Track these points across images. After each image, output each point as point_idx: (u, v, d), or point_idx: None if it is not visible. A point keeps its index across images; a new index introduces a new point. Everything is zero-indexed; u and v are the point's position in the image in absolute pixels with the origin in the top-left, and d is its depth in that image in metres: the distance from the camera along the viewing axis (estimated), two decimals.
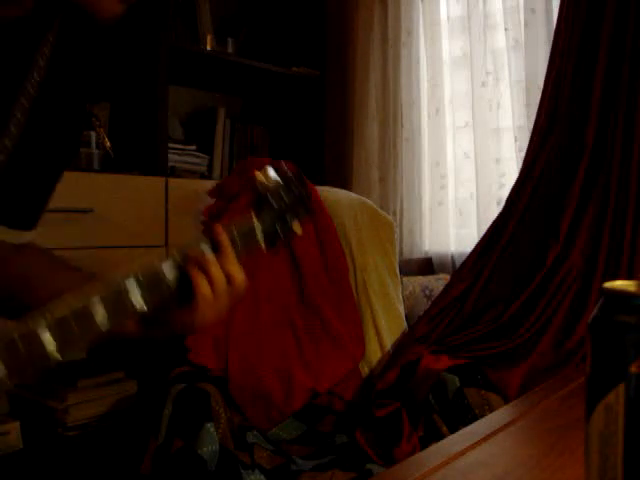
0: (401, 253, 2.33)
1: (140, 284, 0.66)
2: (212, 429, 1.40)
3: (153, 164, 2.03)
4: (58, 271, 0.81)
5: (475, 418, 1.41)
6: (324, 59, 2.63)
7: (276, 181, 0.81)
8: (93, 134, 1.94)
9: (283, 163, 0.84)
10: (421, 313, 1.95)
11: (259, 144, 2.63)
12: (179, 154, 2.25)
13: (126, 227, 1.85)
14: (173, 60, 2.09)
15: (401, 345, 1.83)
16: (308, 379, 1.71)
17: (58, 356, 0.64)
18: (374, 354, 1.86)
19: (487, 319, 1.72)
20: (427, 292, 2.11)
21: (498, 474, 0.64)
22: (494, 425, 0.79)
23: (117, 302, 0.65)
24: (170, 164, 2.15)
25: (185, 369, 1.60)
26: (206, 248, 0.72)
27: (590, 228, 1.71)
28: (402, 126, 2.50)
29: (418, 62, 2.50)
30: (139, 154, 2.05)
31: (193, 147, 2.32)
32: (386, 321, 1.91)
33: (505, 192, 2.04)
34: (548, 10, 2.17)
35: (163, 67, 2.05)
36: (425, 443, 1.45)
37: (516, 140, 2.21)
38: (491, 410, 1.42)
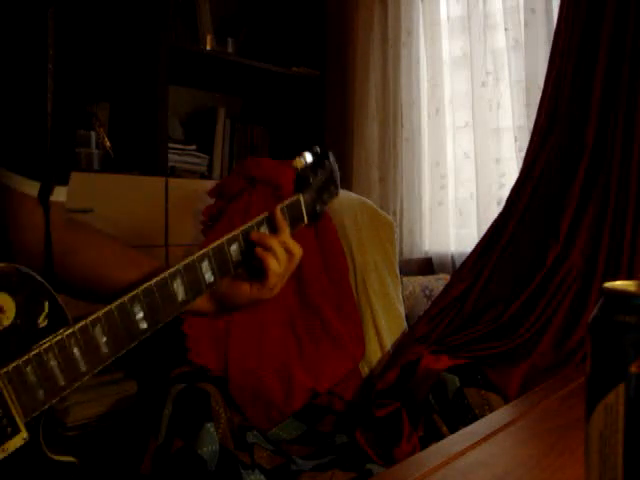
0: (401, 253, 2.33)
1: (210, 260, 0.78)
2: (212, 429, 1.40)
3: (153, 164, 2.03)
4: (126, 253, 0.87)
5: (475, 418, 1.41)
6: (324, 59, 2.63)
7: (313, 163, 0.94)
8: (93, 134, 1.94)
9: (317, 147, 0.98)
10: (421, 313, 1.95)
11: (259, 144, 2.63)
12: (179, 154, 2.25)
13: (126, 227, 1.85)
14: (173, 60, 2.09)
15: (401, 345, 1.83)
16: (308, 379, 1.71)
17: (145, 325, 0.71)
18: (374, 354, 1.86)
19: (487, 319, 1.72)
20: (427, 292, 2.11)
21: (498, 474, 0.64)
22: (494, 425, 0.78)
23: (192, 276, 0.75)
24: (170, 164, 2.15)
25: (185, 369, 1.60)
26: (265, 229, 0.86)
27: (590, 228, 1.71)
28: (402, 126, 2.50)
29: (418, 62, 2.50)
30: (139, 154, 2.06)
31: (193, 147, 2.32)
32: (386, 321, 1.91)
33: (505, 192, 2.04)
34: (548, 10, 2.17)
35: (163, 67, 2.05)
36: (425, 443, 1.45)
37: (516, 140, 2.21)
38: (491, 410, 1.42)
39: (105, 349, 0.66)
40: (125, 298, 0.68)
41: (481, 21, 2.31)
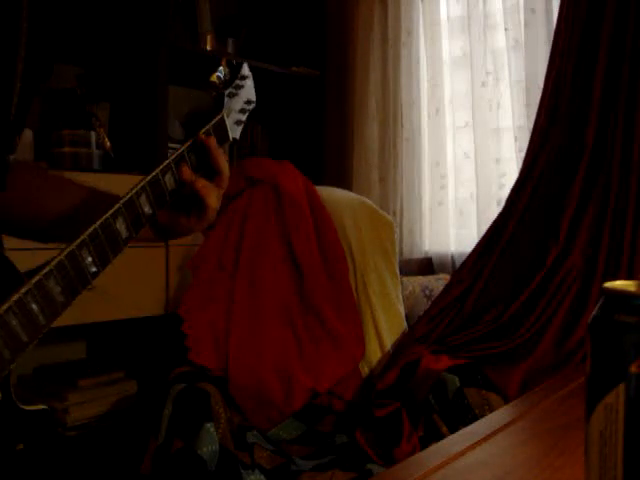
0: (401, 253, 2.33)
1: (147, 193, 0.80)
2: (212, 429, 1.40)
3: (153, 164, 2.02)
4: (63, 187, 0.89)
5: (475, 418, 1.41)
6: (324, 59, 2.63)
7: (230, 76, 0.98)
8: (93, 134, 1.94)
9: (233, 61, 1.00)
10: (421, 313, 1.95)
11: (259, 144, 2.63)
12: None
13: None
14: (173, 60, 2.09)
15: (401, 345, 1.83)
16: (308, 379, 1.71)
17: (94, 268, 0.73)
18: (374, 354, 1.86)
19: (487, 319, 1.72)
20: (427, 292, 2.11)
21: (498, 474, 0.64)
22: (494, 425, 0.78)
23: (132, 212, 0.77)
24: None
25: (185, 369, 1.60)
26: (193, 154, 0.87)
27: (590, 228, 1.71)
28: (402, 126, 2.50)
29: (418, 62, 2.50)
30: (139, 154, 2.05)
31: None
32: (386, 321, 1.91)
33: (505, 192, 2.04)
34: (548, 10, 2.17)
35: (163, 67, 2.05)
36: (425, 443, 1.45)
37: (516, 140, 2.21)
38: (491, 410, 1.42)
39: (61, 298, 0.69)
40: (73, 245, 0.70)
41: (481, 21, 2.31)
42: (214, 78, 0.98)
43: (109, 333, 2.08)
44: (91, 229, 0.72)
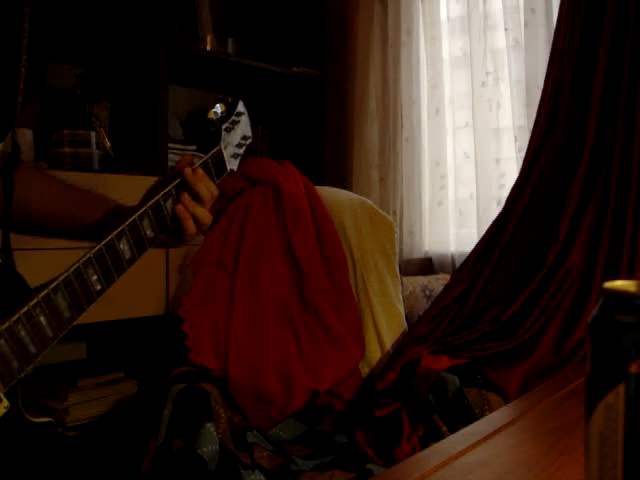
0: (401, 253, 2.33)
1: (149, 218, 0.84)
2: (212, 429, 1.40)
3: (153, 164, 2.03)
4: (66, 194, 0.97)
5: (475, 418, 1.41)
6: (324, 59, 2.63)
7: (227, 112, 1.03)
8: (93, 134, 1.94)
9: (228, 98, 1.06)
10: (421, 313, 1.95)
11: (259, 144, 2.63)
12: (179, 154, 2.25)
13: None
14: (173, 60, 2.09)
15: (401, 345, 1.83)
16: (308, 379, 1.71)
17: (99, 286, 0.76)
18: (374, 354, 1.86)
19: (487, 319, 1.72)
20: (427, 292, 2.11)
21: (498, 474, 0.64)
22: (494, 425, 0.78)
23: (135, 235, 0.82)
24: (170, 164, 2.15)
25: (185, 369, 1.60)
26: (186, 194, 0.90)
27: (590, 228, 1.71)
28: (402, 126, 2.50)
29: (418, 62, 2.50)
30: (139, 154, 2.05)
31: (193, 147, 2.32)
32: (386, 321, 1.91)
33: (505, 192, 2.04)
34: (548, 10, 2.17)
35: (163, 67, 2.05)
36: (425, 443, 1.45)
37: (516, 140, 2.21)
38: (491, 410, 1.42)
39: (67, 313, 0.71)
40: (79, 263, 0.73)
41: (481, 21, 2.31)
42: (211, 115, 1.02)
43: (109, 333, 2.08)
44: (96, 248, 0.75)
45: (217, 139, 1.00)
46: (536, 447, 0.74)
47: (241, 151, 1.07)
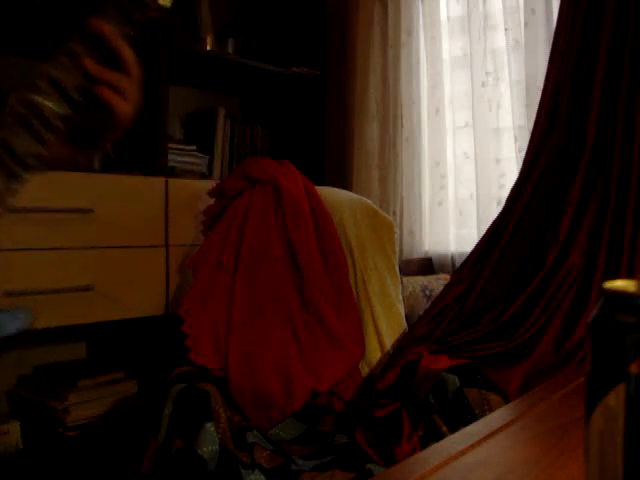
0: (401, 253, 2.33)
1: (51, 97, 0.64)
2: (212, 429, 1.40)
3: (153, 164, 2.03)
4: None
5: (475, 418, 1.41)
6: (324, 59, 2.63)
7: None
8: None
9: None
10: (421, 313, 1.95)
11: (259, 144, 2.63)
12: (179, 154, 2.25)
13: (126, 227, 1.85)
14: (173, 60, 2.09)
15: (401, 345, 1.83)
16: (308, 379, 1.71)
17: None
18: (374, 354, 1.86)
19: (487, 319, 1.72)
20: (427, 292, 2.11)
21: (498, 474, 0.64)
22: (494, 425, 0.78)
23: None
24: (170, 164, 2.15)
25: (185, 369, 1.60)
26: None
27: (590, 228, 1.71)
28: (402, 126, 2.50)
29: (418, 62, 2.50)
30: (139, 154, 2.05)
31: (193, 147, 2.32)
32: (386, 321, 1.91)
33: (505, 192, 2.04)
34: (548, 10, 2.17)
35: (163, 67, 2.05)
36: (425, 443, 1.45)
37: (516, 140, 2.21)
38: (491, 410, 1.42)
39: None
40: None
41: (481, 21, 2.31)
42: None
43: (109, 333, 2.08)
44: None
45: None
46: (536, 447, 0.74)
47: None
